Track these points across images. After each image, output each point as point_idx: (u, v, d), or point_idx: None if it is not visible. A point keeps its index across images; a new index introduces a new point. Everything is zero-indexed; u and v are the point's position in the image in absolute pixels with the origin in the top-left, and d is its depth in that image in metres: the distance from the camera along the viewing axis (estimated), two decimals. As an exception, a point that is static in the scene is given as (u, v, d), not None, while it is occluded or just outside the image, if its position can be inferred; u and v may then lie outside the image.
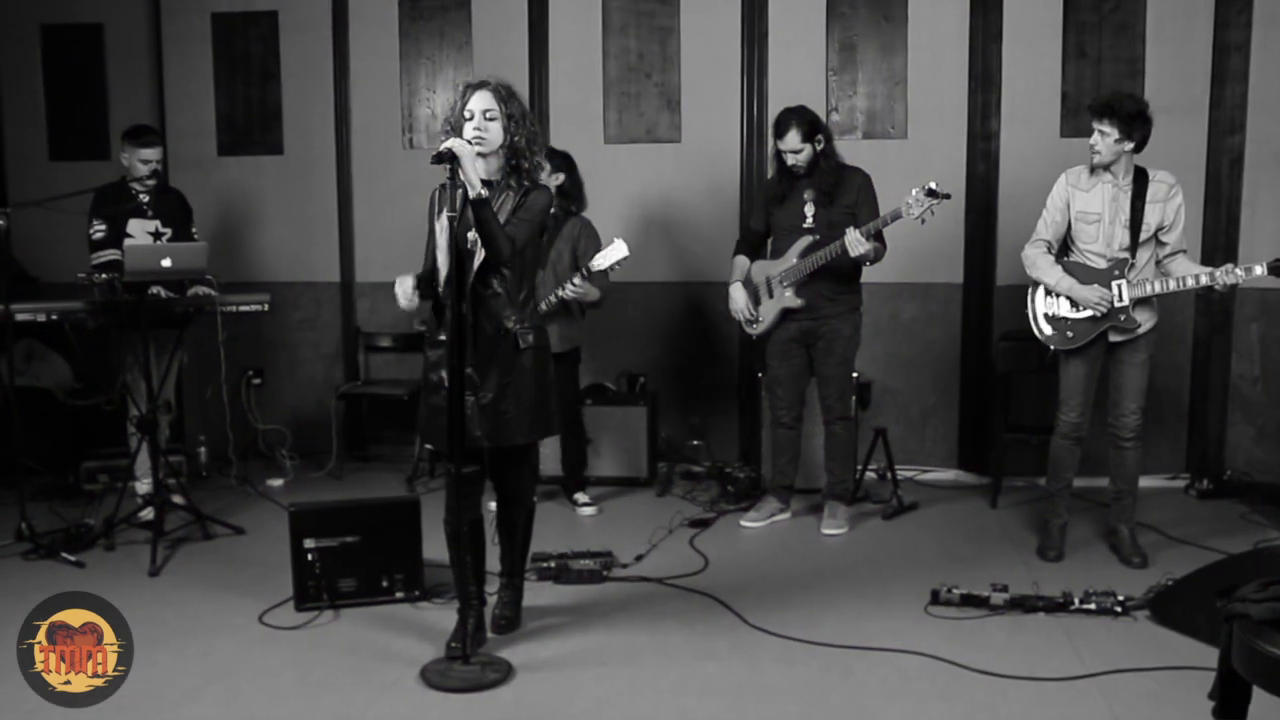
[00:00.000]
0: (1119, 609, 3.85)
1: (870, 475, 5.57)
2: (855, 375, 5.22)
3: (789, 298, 4.91)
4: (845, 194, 4.85)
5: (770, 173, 5.14)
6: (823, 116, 5.64)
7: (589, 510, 5.34)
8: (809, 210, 4.87)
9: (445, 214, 3.32)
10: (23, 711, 3.12)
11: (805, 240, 4.86)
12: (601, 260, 4.84)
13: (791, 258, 4.90)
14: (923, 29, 5.78)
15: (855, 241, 4.60)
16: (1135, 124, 4.24)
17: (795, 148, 4.77)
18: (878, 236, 4.73)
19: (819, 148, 4.81)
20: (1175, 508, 5.33)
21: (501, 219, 3.40)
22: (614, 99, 6.13)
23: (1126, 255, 4.32)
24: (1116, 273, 4.32)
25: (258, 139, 6.49)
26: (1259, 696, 2.22)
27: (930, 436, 6.00)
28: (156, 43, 6.51)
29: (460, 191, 3.29)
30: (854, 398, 5.19)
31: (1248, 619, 2.19)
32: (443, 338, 3.49)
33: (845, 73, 5.89)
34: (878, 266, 4.96)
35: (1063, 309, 4.44)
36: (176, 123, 6.50)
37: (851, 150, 5.39)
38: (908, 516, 5.22)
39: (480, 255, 3.34)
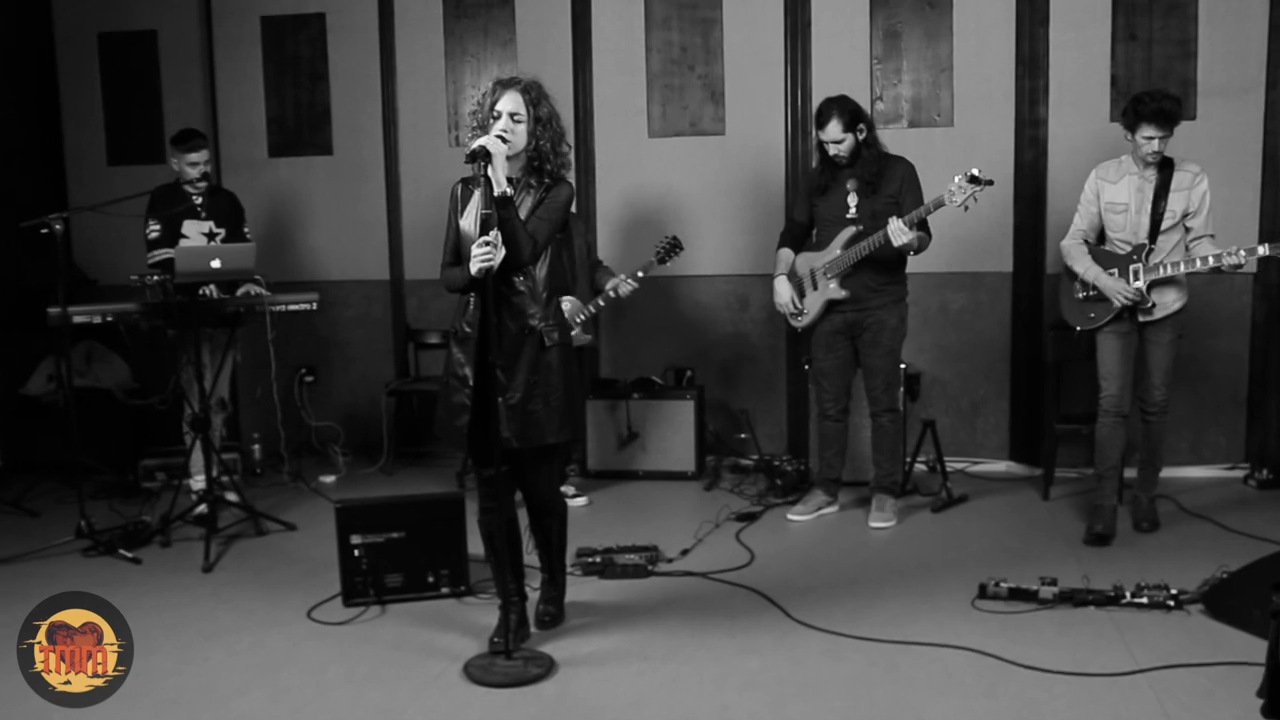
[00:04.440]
0: (1172, 603, 3.77)
1: (920, 467, 5.51)
2: (903, 366, 5.19)
3: (833, 289, 4.87)
4: (889, 183, 4.80)
5: (814, 164, 5.11)
6: (867, 106, 5.63)
7: (579, 502, 5.38)
8: (852, 201, 4.83)
9: (480, 210, 3.33)
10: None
11: (849, 231, 4.83)
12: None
13: (835, 249, 4.86)
14: (968, 14, 5.70)
15: (898, 231, 4.56)
16: (1181, 117, 4.47)
17: (837, 138, 4.74)
18: (922, 225, 4.68)
19: (861, 137, 4.77)
20: (1233, 498, 5.22)
21: (523, 214, 3.42)
22: (657, 92, 6.13)
23: (1146, 241, 4.52)
24: (1135, 257, 4.54)
25: (307, 140, 6.58)
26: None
27: (981, 428, 5.92)
28: (208, 47, 6.62)
29: (487, 188, 3.30)
30: (901, 389, 5.14)
31: (1294, 614, 2.15)
32: (468, 329, 3.50)
33: (889, 61, 5.83)
34: (926, 256, 4.92)
35: (1089, 292, 4.68)
36: (228, 125, 6.61)
37: (897, 139, 5.35)
38: (957, 509, 5.16)
39: (502, 252, 3.34)
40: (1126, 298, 4.51)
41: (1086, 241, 4.70)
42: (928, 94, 5.81)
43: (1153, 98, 4.41)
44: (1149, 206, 4.52)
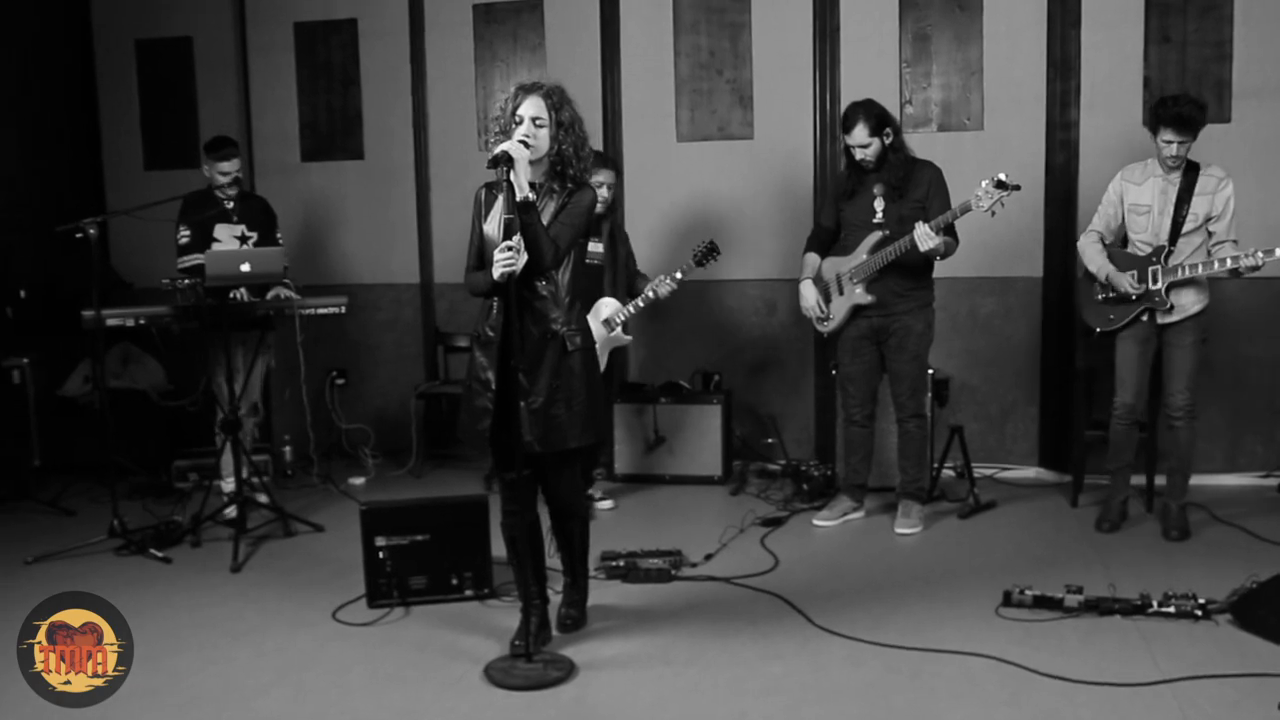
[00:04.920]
0: (1199, 612, 3.72)
1: (948, 473, 5.47)
2: (931, 372, 5.16)
3: (859, 294, 4.85)
4: (915, 188, 4.77)
5: (842, 168, 5.09)
6: (896, 109, 5.63)
7: (605, 505, 5.39)
8: (879, 205, 4.81)
9: (502, 215, 3.36)
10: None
11: (875, 236, 4.80)
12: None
13: (861, 254, 4.84)
14: (999, 17, 5.66)
15: (924, 236, 4.54)
16: (1205, 123, 4.50)
17: (863, 142, 4.72)
18: (948, 230, 4.66)
19: (887, 141, 4.74)
20: (1267, 506, 5.14)
21: (545, 219, 3.43)
22: (686, 97, 6.13)
23: (1166, 243, 4.56)
24: (1154, 259, 4.58)
25: (339, 144, 6.64)
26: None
27: (1010, 434, 5.87)
28: (242, 53, 6.71)
29: (509, 193, 3.32)
30: (929, 395, 5.12)
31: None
32: (491, 333, 3.52)
33: (919, 64, 5.80)
34: (955, 260, 4.89)
35: (1109, 294, 4.73)
36: (261, 130, 6.69)
37: (927, 143, 5.32)
38: (984, 516, 5.13)
39: (524, 257, 3.36)
40: (1133, 289, 4.57)
41: (1103, 241, 4.75)
42: (957, 97, 5.77)
43: (1175, 102, 4.44)
44: (1171, 209, 4.55)
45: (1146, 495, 5.11)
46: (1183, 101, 4.45)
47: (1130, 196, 4.68)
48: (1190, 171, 4.55)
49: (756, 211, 6.07)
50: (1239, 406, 5.56)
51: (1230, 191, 4.52)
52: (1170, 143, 4.46)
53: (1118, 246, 4.78)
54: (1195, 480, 4.89)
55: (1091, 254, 4.75)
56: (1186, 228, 4.54)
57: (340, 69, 6.59)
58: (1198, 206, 4.53)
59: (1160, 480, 4.97)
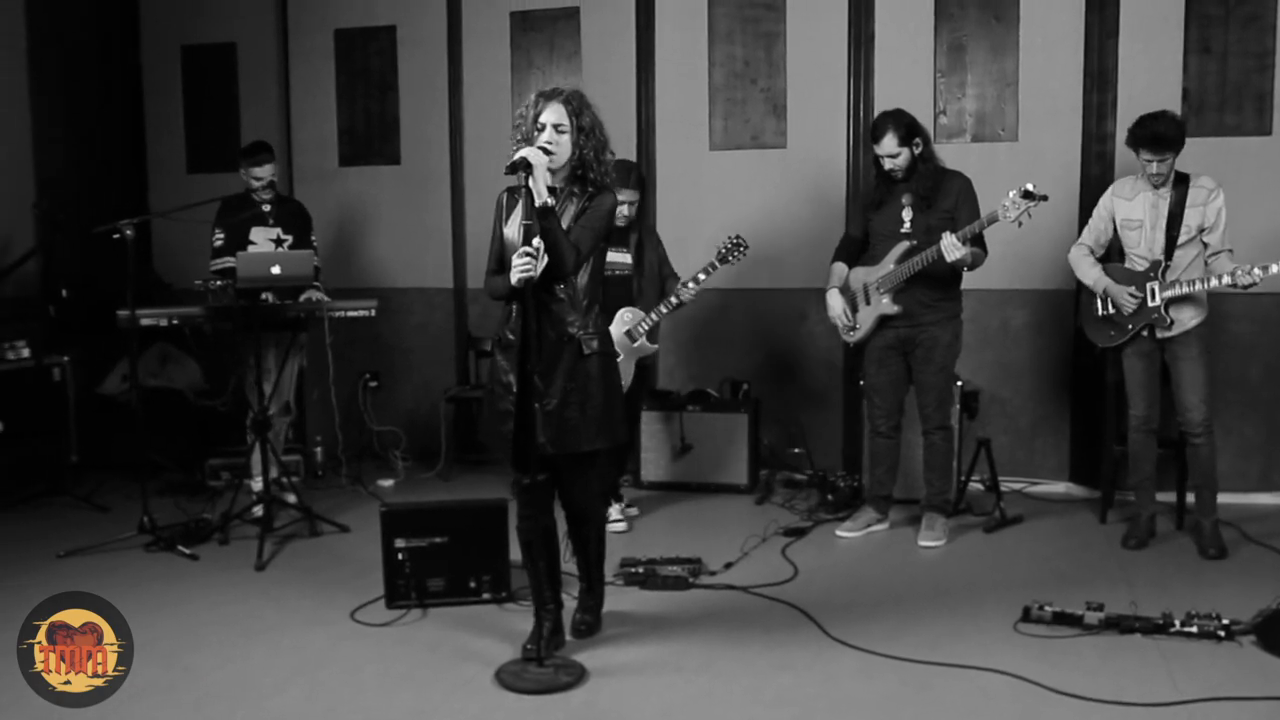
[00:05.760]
0: (1222, 633, 3.65)
1: (976, 487, 5.42)
2: (960, 384, 5.11)
3: (886, 304, 4.83)
4: (944, 198, 4.74)
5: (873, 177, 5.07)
6: (930, 119, 5.59)
7: (618, 526, 5.12)
8: (906, 215, 4.78)
9: (521, 221, 3.38)
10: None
11: (903, 246, 4.78)
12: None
13: (888, 263, 4.81)
14: (1035, 28, 5.61)
15: (951, 246, 4.50)
16: (1183, 141, 4.50)
17: (892, 152, 4.69)
18: (976, 241, 4.62)
19: (917, 151, 4.71)
20: (1304, 528, 5.04)
21: (565, 223, 3.45)
22: (720, 105, 6.13)
23: (1162, 258, 4.57)
24: (1152, 274, 4.60)
25: (376, 150, 6.72)
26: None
27: (1040, 447, 5.80)
28: (284, 59, 6.81)
29: (528, 199, 3.34)
30: (955, 406, 5.07)
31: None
32: (511, 337, 3.54)
33: (954, 75, 5.76)
34: (987, 272, 4.86)
35: (1109, 310, 4.74)
36: (300, 135, 6.78)
37: (960, 154, 5.28)
38: (1010, 530, 5.06)
39: (544, 262, 3.38)
40: (1132, 305, 4.59)
41: (1092, 254, 4.79)
42: (992, 108, 5.72)
43: (1152, 121, 4.47)
44: (1164, 223, 4.57)
45: (1177, 513, 5.03)
46: (1158, 121, 4.45)
47: (1121, 212, 4.68)
48: (1181, 183, 4.55)
49: (788, 220, 6.05)
50: (1275, 424, 5.45)
51: (1221, 202, 4.52)
52: (1150, 161, 4.48)
53: (1115, 261, 4.78)
54: (1229, 499, 4.83)
55: (1084, 267, 4.78)
56: (1181, 240, 4.54)
57: (379, 75, 6.66)
58: (1190, 219, 4.53)
59: (1191, 497, 4.88)
